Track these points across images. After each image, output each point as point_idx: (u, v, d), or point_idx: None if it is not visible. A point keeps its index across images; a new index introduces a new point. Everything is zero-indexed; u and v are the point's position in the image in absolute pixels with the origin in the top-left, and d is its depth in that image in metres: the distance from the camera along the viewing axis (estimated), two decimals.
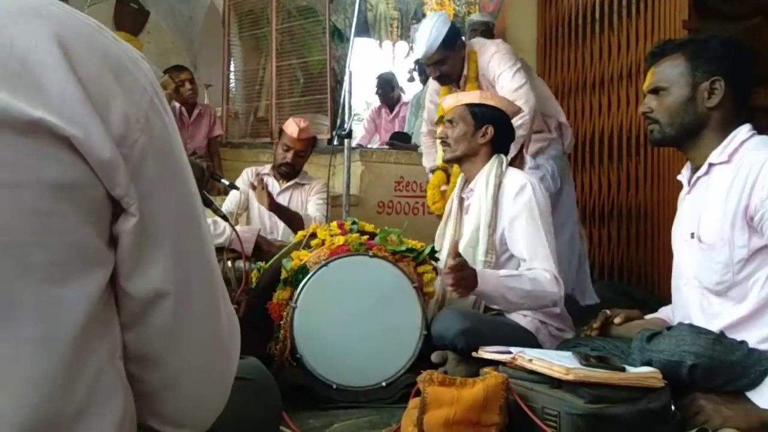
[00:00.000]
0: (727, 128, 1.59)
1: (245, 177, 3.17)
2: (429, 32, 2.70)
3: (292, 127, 3.02)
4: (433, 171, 3.03)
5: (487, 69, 2.76)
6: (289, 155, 3.05)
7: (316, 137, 3.27)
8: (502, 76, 2.68)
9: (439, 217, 2.58)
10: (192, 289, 0.60)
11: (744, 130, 1.58)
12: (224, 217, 1.87)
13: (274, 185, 3.16)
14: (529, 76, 2.77)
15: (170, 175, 0.58)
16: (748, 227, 1.47)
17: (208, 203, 1.86)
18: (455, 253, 1.83)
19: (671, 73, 1.63)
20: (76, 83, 0.51)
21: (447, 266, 1.82)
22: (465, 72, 2.82)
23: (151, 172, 0.55)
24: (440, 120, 2.88)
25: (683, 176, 1.71)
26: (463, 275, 1.80)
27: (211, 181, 1.76)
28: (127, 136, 0.54)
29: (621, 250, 3.69)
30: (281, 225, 3.03)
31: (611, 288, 3.45)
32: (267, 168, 3.24)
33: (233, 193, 2.90)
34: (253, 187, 2.84)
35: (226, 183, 1.82)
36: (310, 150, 3.17)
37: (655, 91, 1.65)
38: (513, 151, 2.50)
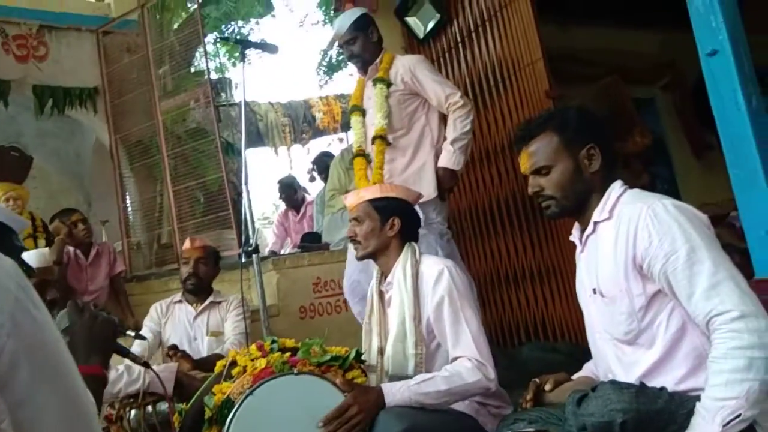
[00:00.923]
0: (606, 187, 1.68)
1: (154, 314, 3.06)
2: (344, 16, 3.17)
3: (186, 243, 3.24)
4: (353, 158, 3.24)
5: (408, 70, 3.08)
6: (190, 266, 3.11)
7: (212, 247, 3.28)
8: (435, 83, 3.09)
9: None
10: None
11: (617, 187, 1.69)
12: (145, 363, 1.76)
13: (188, 310, 3.07)
14: None
15: (48, 375, 0.54)
16: (640, 276, 1.55)
17: (124, 353, 1.76)
18: (348, 386, 1.82)
19: (548, 150, 1.69)
20: None
21: (333, 412, 1.77)
22: (378, 60, 3.15)
23: (25, 376, 0.52)
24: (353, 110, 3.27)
25: (574, 236, 1.80)
26: (358, 410, 1.77)
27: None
28: None
29: (540, 308, 3.80)
30: (203, 335, 2.97)
31: (538, 347, 3.51)
32: (178, 296, 3.15)
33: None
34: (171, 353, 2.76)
35: (132, 334, 1.76)
36: (210, 259, 3.17)
37: (538, 171, 1.72)
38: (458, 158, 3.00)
